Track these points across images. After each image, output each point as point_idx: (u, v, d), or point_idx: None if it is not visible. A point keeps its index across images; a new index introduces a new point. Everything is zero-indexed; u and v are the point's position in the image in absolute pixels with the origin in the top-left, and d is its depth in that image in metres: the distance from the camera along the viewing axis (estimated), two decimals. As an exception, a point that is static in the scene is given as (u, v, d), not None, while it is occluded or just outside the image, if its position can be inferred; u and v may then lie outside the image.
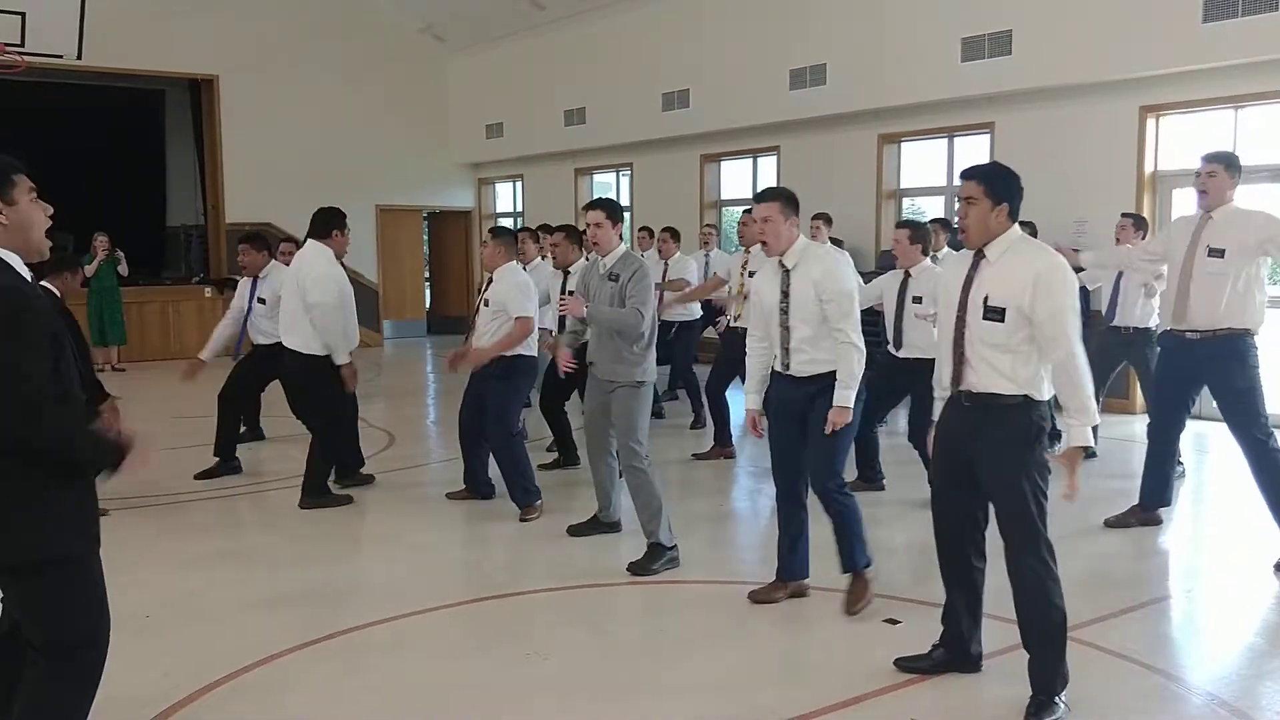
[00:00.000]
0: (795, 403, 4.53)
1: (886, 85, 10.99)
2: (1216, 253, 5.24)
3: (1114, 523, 5.94)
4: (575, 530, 5.84)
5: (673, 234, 10.04)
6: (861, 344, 4.43)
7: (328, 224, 6.45)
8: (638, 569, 5.16)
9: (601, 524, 5.81)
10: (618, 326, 5.21)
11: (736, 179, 14.14)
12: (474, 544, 5.97)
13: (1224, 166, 5.30)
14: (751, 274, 7.50)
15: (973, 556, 3.89)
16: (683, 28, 13.30)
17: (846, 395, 4.44)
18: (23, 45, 13.31)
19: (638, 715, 3.74)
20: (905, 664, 4.01)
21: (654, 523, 5.21)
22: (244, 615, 4.72)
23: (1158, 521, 5.94)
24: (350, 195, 16.23)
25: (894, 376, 6.48)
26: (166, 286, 15.97)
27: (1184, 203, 9.57)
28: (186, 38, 15.18)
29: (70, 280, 6.33)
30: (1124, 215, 7.64)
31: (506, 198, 18.37)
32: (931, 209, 11.79)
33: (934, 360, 6.05)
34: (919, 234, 6.40)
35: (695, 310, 9.49)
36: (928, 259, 6.43)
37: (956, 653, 3.96)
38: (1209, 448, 8.54)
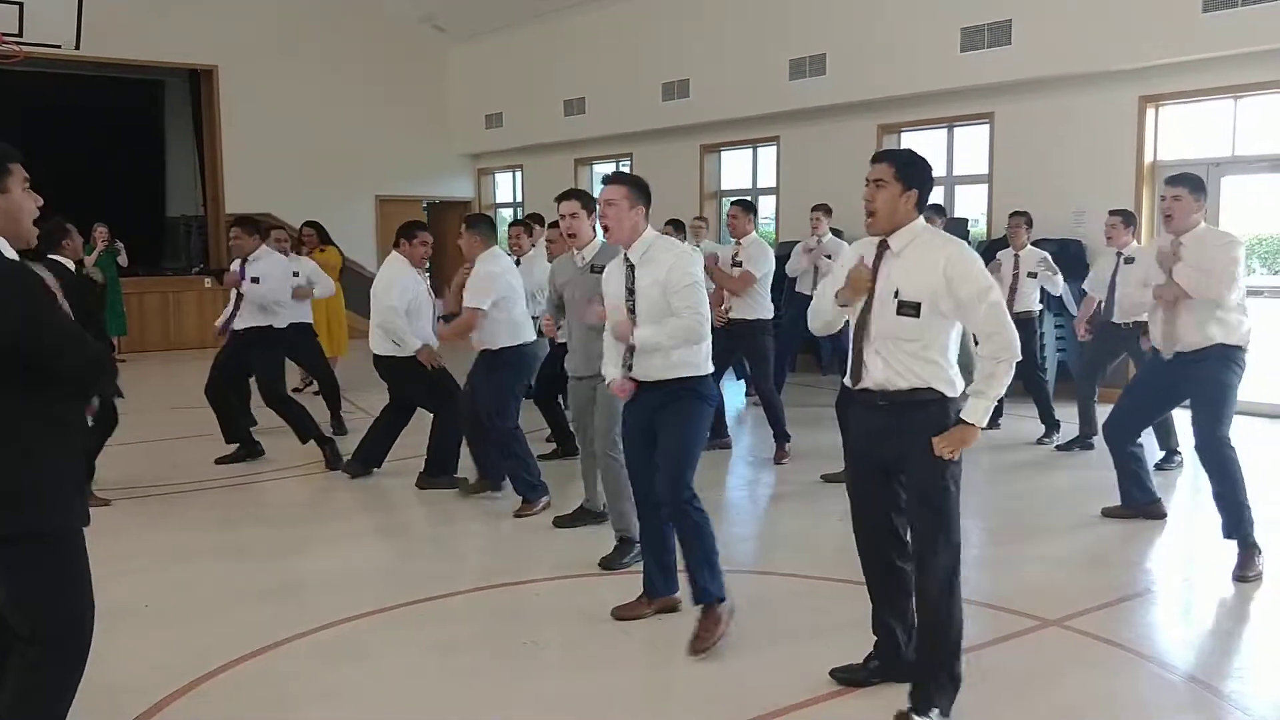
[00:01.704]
0: (643, 411, 4.22)
1: (886, 75, 10.97)
2: None
3: (1111, 513, 5.97)
4: (561, 522, 5.80)
5: (675, 225, 10.03)
6: (706, 318, 4.11)
7: (397, 236, 6.87)
8: (607, 564, 5.12)
9: (589, 513, 5.79)
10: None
11: (737, 169, 14.13)
12: (470, 535, 5.97)
13: (1189, 190, 5.10)
14: (738, 264, 7.50)
15: (897, 559, 3.66)
16: (682, 17, 13.27)
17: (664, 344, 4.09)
18: (21, 35, 13.30)
19: (642, 705, 3.75)
20: (840, 675, 3.81)
21: (624, 519, 5.11)
22: (242, 605, 4.73)
23: (1161, 515, 5.92)
24: (350, 185, 16.31)
25: None
26: (166, 277, 15.98)
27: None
28: (186, 28, 15.15)
29: (72, 246, 6.35)
30: (1112, 213, 7.47)
31: (506, 188, 18.36)
32: (931, 198, 11.78)
33: None
34: None
35: None
36: None
37: (889, 662, 3.76)
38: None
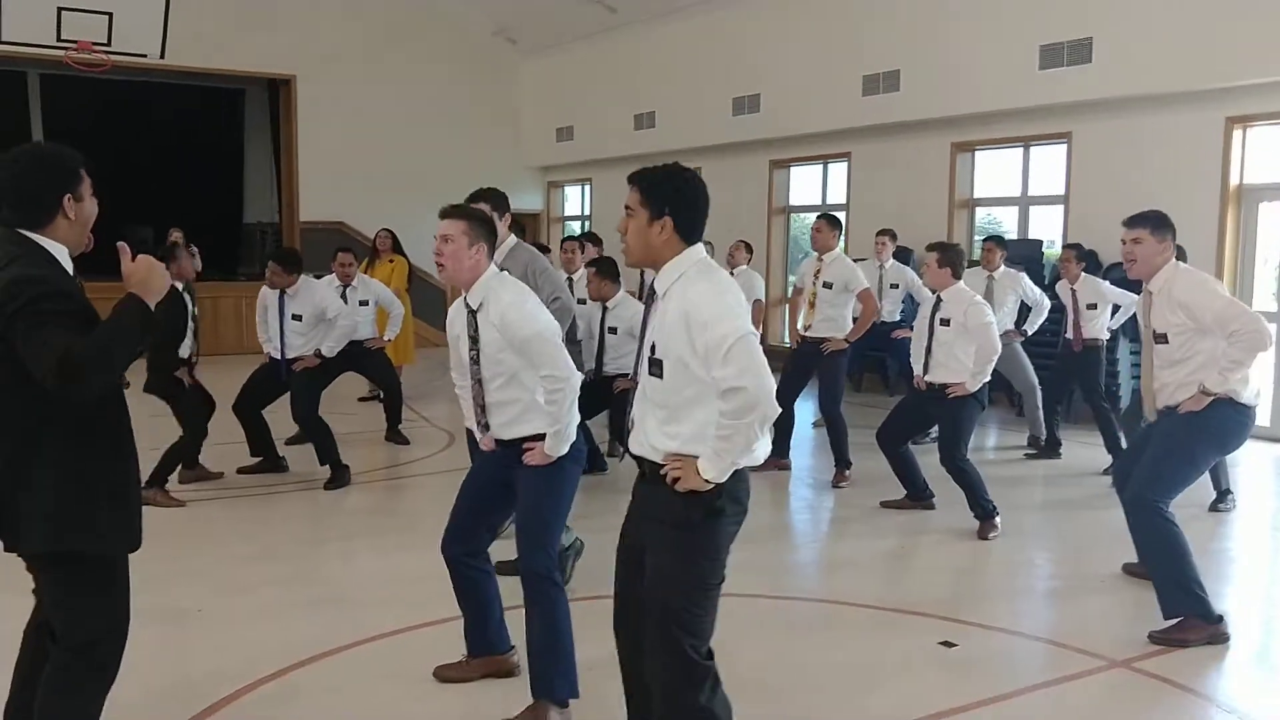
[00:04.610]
0: (494, 464, 3.75)
1: (961, 92, 10.78)
2: (1160, 338, 4.57)
3: (1133, 570, 5.20)
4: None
5: (746, 246, 10.11)
6: (574, 381, 3.59)
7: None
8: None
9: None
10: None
11: (806, 185, 14.00)
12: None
13: (1150, 229, 4.54)
14: (828, 285, 7.34)
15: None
16: (754, 31, 13.19)
17: (557, 442, 3.56)
18: (109, 45, 13.69)
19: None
20: None
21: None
22: (293, 613, 4.75)
23: None
24: (421, 195, 16.34)
25: (924, 402, 6.33)
26: (240, 283, 16.25)
27: (1271, 217, 9.25)
28: (266, 39, 15.47)
29: (177, 268, 6.48)
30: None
31: (575, 201, 18.43)
32: (1005, 219, 11.53)
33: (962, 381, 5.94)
34: (948, 256, 6.18)
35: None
36: (960, 282, 6.23)
37: None
38: (1290, 472, 8.23)
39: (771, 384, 2.72)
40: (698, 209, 2.86)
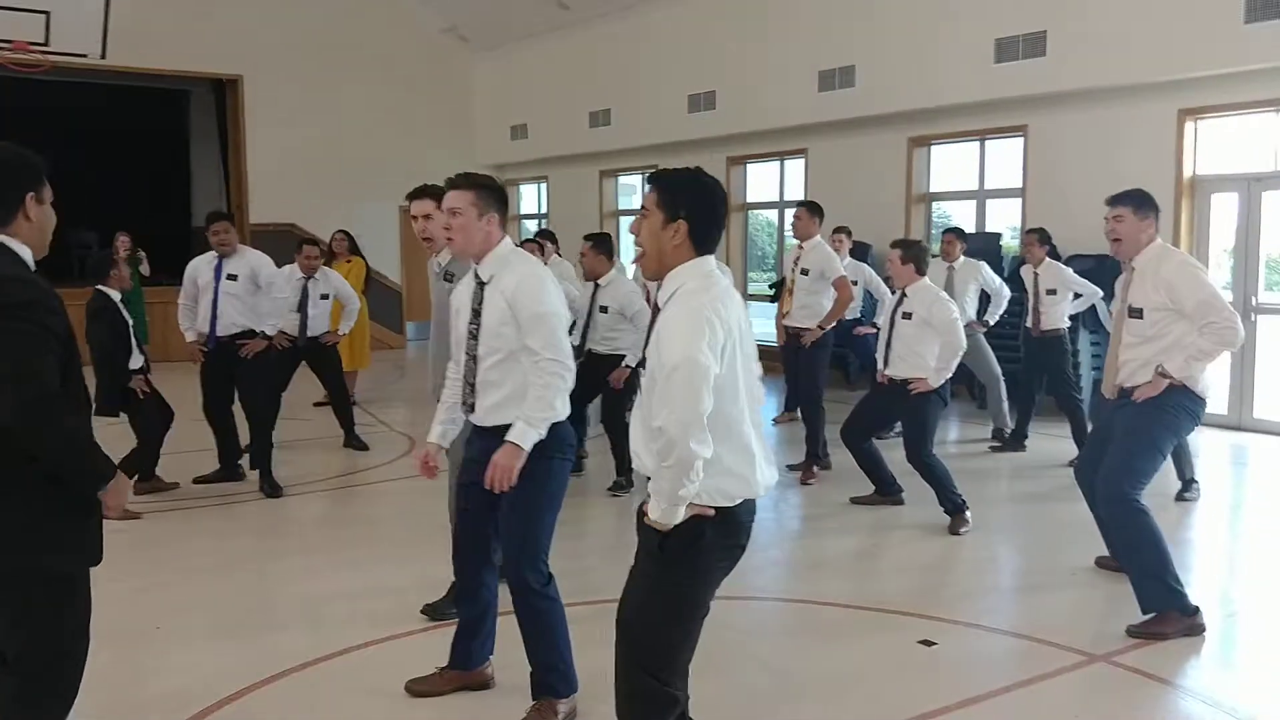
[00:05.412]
0: (482, 461, 3.49)
1: (917, 87, 10.80)
2: (1135, 313, 4.56)
3: (1106, 564, 5.22)
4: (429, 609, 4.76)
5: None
6: (567, 369, 3.44)
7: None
8: (434, 610, 4.61)
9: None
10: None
11: (763, 182, 13.97)
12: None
13: (1132, 208, 4.56)
14: (805, 271, 7.31)
15: None
16: (709, 28, 13.14)
17: (524, 431, 3.38)
18: (47, 45, 13.32)
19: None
20: None
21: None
22: (257, 627, 4.61)
23: None
24: (374, 196, 16.25)
25: (887, 397, 6.31)
26: (190, 287, 15.94)
27: (1222, 208, 9.35)
28: (211, 38, 15.16)
29: (119, 276, 6.40)
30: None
31: (531, 199, 18.27)
32: (961, 213, 11.57)
33: (924, 376, 5.95)
34: (911, 253, 6.20)
35: None
36: (924, 278, 6.23)
37: None
38: (1248, 460, 8.32)
39: (691, 423, 2.49)
40: (715, 218, 2.77)
